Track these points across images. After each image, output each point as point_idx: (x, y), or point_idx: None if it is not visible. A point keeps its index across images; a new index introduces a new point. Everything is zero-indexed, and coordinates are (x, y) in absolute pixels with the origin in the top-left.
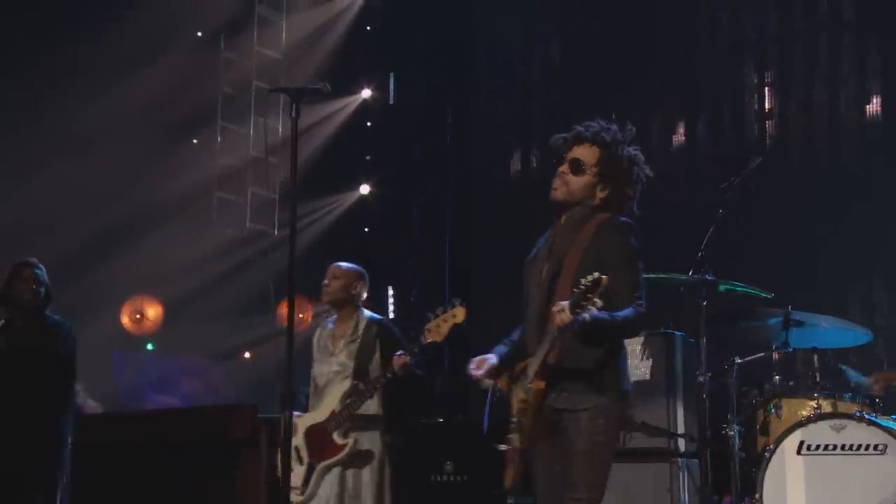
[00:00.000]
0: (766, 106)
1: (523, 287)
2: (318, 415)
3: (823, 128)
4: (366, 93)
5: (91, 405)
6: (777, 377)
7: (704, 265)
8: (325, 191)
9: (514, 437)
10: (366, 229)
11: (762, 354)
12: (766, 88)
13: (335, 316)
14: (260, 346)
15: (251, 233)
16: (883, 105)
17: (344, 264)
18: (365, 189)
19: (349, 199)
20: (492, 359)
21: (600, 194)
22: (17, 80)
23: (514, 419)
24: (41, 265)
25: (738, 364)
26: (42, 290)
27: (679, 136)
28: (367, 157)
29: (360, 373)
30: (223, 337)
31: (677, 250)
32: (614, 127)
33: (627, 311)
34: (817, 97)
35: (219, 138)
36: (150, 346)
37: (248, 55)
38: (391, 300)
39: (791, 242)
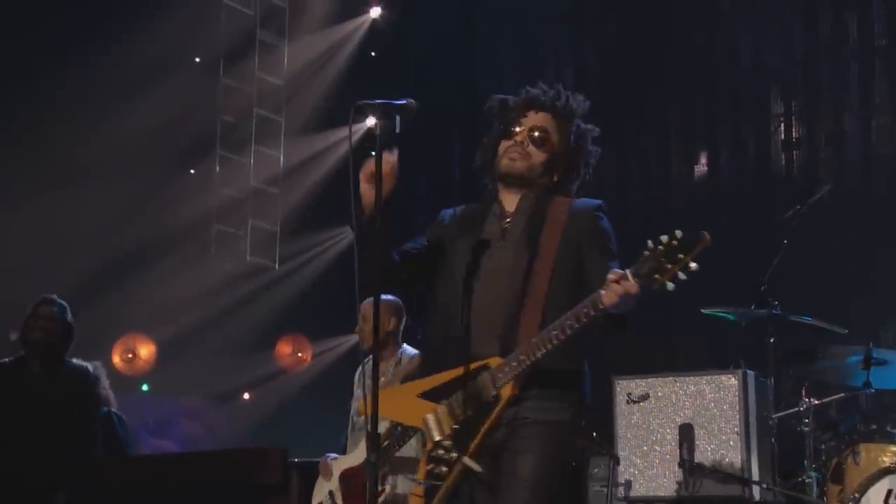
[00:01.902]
0: (793, 135)
1: (446, 263)
2: (355, 458)
3: (854, 159)
4: (370, 121)
5: (104, 385)
6: (855, 420)
7: (769, 298)
8: (328, 224)
9: (443, 470)
10: None
11: (841, 395)
12: (793, 117)
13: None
14: (260, 386)
15: (251, 267)
16: None
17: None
18: None
19: (352, 232)
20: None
21: (557, 173)
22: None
23: (446, 442)
24: (63, 302)
25: (815, 405)
26: (57, 328)
27: (701, 167)
28: None
29: None
30: (222, 377)
31: (702, 283)
32: (568, 94)
33: None
34: (847, 126)
35: (217, 168)
36: (145, 387)
37: (248, 82)
38: None
39: (821, 277)
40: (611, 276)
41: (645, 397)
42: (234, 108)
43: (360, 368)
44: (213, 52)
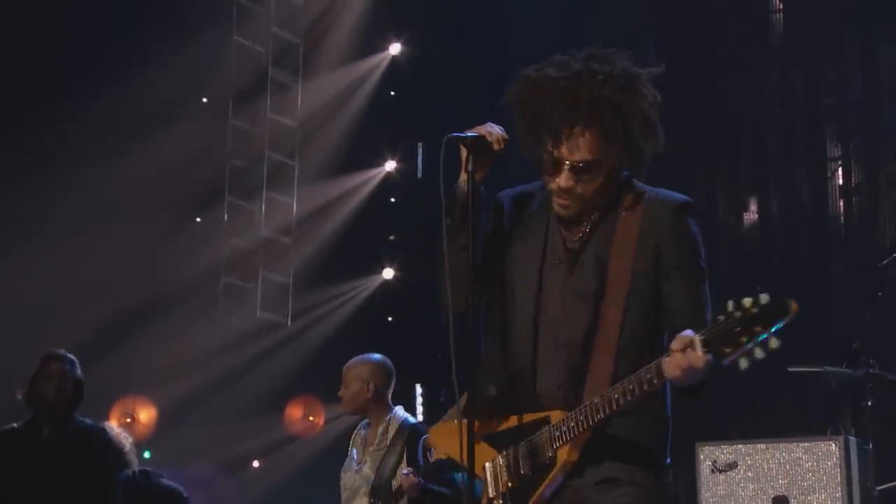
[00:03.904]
0: (852, 180)
1: (506, 283)
2: None
3: None
4: (390, 165)
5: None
6: None
7: (863, 357)
8: (344, 276)
9: None
10: (389, 318)
11: None
12: (851, 160)
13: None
14: (271, 453)
15: (262, 323)
16: None
17: (355, 361)
18: (389, 273)
19: (371, 284)
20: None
21: (622, 172)
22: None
23: (498, 502)
24: (72, 358)
25: None
26: (70, 386)
27: (751, 214)
28: (391, 238)
29: (379, 487)
30: (228, 443)
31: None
32: (610, 67)
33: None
34: None
35: (226, 216)
36: (147, 454)
37: (260, 123)
38: (420, 399)
39: (886, 330)
40: (674, 345)
41: (732, 466)
42: (244, 152)
43: (354, 433)
44: (222, 91)
